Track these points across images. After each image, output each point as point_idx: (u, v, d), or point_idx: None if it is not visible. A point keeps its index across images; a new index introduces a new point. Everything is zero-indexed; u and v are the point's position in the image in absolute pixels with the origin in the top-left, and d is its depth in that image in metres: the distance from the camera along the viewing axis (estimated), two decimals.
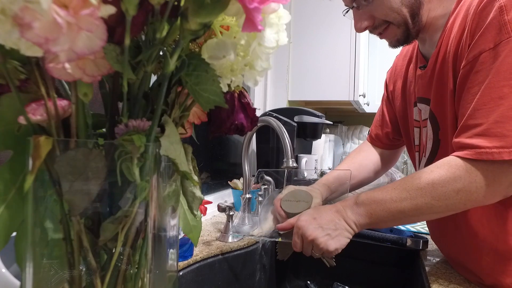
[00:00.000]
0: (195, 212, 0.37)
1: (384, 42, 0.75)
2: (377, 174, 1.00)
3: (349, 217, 0.66)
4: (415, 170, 0.82)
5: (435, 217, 0.65)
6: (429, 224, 0.85)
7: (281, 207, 0.77)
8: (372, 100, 2.13)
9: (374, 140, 1.01)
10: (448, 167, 0.59)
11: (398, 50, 0.89)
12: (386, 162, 1.01)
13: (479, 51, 0.57)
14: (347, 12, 0.73)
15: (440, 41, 0.68)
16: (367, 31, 0.72)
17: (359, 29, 0.71)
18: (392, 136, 0.96)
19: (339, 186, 0.89)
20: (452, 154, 0.60)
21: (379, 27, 0.70)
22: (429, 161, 0.73)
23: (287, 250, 0.75)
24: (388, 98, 0.95)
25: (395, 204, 0.62)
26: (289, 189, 0.82)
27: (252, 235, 0.82)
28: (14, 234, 0.29)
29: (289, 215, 0.75)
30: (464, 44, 0.61)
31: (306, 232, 0.65)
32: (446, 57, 0.66)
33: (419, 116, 0.78)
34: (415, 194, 0.60)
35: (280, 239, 0.74)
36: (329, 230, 0.65)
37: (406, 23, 0.68)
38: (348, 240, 0.66)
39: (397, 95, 0.88)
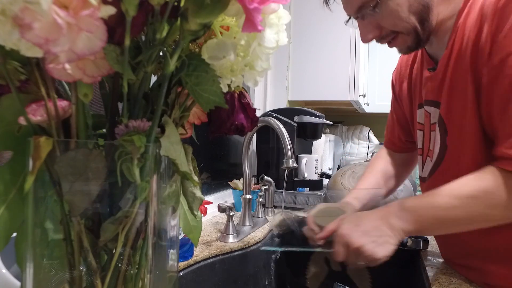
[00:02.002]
0: (196, 213, 0.37)
1: None
2: (400, 178, 0.98)
3: (393, 223, 0.63)
4: (420, 173, 0.80)
5: (488, 226, 0.61)
6: None
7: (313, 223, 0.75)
8: (372, 100, 2.13)
9: (389, 144, 0.99)
10: (493, 176, 0.58)
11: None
12: (406, 166, 0.98)
13: (506, 53, 0.54)
14: (348, 21, 0.71)
15: (450, 43, 0.66)
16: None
17: (365, 40, 0.68)
18: (405, 138, 0.94)
19: (370, 201, 0.87)
20: (494, 163, 0.59)
21: (387, 37, 0.67)
22: (436, 166, 0.71)
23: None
24: (397, 100, 0.92)
25: (445, 212, 0.60)
26: (319, 207, 0.80)
27: (287, 248, 0.82)
28: (14, 234, 0.29)
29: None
30: (483, 46, 0.58)
31: (350, 240, 0.62)
32: (461, 60, 0.63)
33: (424, 119, 0.76)
34: (467, 202, 0.58)
35: (319, 250, 0.72)
36: (375, 237, 0.62)
37: (415, 30, 0.65)
38: (394, 248, 0.63)
39: (404, 97, 0.86)
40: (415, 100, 0.80)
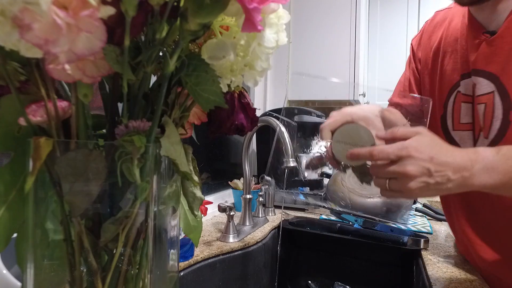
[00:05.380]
0: (196, 213, 0.37)
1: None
2: None
3: (474, 175, 0.49)
4: None
5: None
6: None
7: (331, 149, 0.59)
8: (372, 99, 2.13)
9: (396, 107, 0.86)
10: None
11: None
12: None
13: None
14: None
15: None
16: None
17: None
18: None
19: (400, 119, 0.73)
20: None
21: None
22: (494, 143, 0.63)
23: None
24: (417, 68, 0.82)
25: None
26: (343, 116, 0.61)
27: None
28: (15, 235, 0.29)
29: (339, 164, 0.57)
30: None
31: (404, 165, 0.48)
32: None
33: (471, 90, 0.67)
34: None
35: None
36: (436, 178, 0.48)
37: None
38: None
39: (427, 65, 0.77)
40: (454, 70, 0.70)
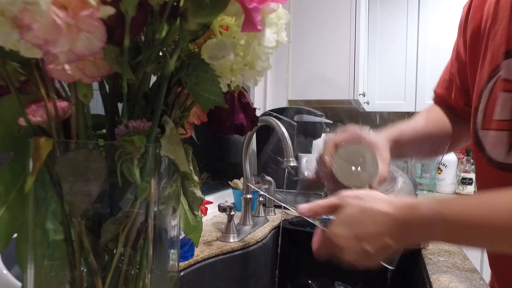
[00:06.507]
0: (196, 212, 0.37)
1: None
2: (454, 143, 0.69)
3: (412, 238, 0.43)
4: (500, 157, 0.53)
5: None
6: None
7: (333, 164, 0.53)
8: (372, 99, 2.13)
9: (441, 101, 0.71)
10: None
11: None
12: (458, 134, 0.68)
13: None
14: None
15: None
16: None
17: None
18: (463, 101, 0.65)
19: (411, 149, 0.63)
20: None
21: None
22: None
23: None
24: (464, 43, 0.62)
25: (507, 235, 0.38)
26: (351, 134, 0.56)
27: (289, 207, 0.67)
28: (15, 235, 0.29)
29: (338, 184, 0.53)
30: None
31: (341, 254, 0.46)
32: None
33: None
34: None
35: (317, 223, 0.54)
36: (373, 249, 0.43)
37: None
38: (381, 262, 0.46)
39: (477, 37, 0.58)
40: (500, 46, 0.52)
